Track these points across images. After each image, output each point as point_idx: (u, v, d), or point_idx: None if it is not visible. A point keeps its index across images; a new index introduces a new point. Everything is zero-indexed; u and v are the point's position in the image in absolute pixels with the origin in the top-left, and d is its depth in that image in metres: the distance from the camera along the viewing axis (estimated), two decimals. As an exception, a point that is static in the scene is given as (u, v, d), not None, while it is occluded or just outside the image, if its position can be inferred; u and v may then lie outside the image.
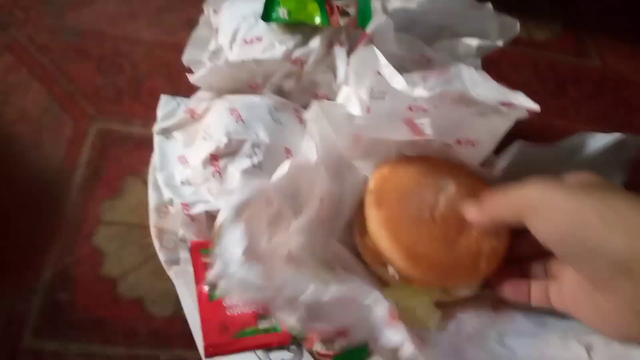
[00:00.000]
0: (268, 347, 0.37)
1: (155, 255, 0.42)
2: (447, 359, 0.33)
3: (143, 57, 0.57)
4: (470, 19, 0.50)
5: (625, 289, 0.28)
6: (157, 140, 0.45)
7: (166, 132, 0.45)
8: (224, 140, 0.41)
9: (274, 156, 0.42)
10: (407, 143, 0.39)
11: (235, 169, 0.40)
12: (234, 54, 0.47)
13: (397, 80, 0.33)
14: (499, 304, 0.39)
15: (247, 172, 0.40)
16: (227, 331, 0.36)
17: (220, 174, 0.41)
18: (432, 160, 0.39)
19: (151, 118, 0.47)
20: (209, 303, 0.38)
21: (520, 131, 0.38)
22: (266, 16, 0.47)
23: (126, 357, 0.39)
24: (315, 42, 0.47)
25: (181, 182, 0.42)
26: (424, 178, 0.38)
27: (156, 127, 0.45)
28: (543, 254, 0.35)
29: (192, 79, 0.48)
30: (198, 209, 0.39)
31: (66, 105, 0.52)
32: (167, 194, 0.41)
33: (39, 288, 0.41)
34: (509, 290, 0.37)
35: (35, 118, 0.50)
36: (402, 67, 0.46)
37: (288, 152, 0.42)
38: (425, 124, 0.35)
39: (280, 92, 0.48)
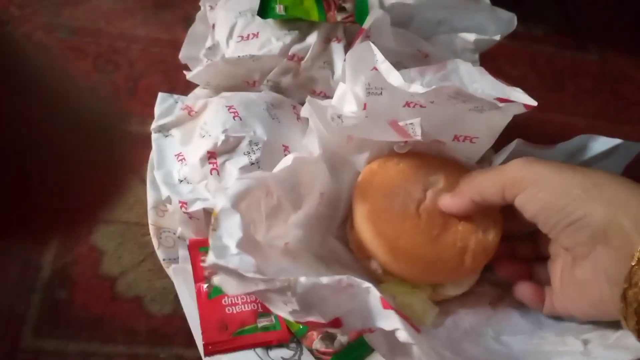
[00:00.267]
0: (267, 345, 0.37)
1: (153, 253, 0.42)
2: (442, 349, 0.33)
3: (139, 54, 0.57)
4: (467, 13, 0.50)
5: (601, 256, 0.29)
6: (154, 138, 0.45)
7: (163, 130, 0.45)
8: (222, 137, 0.41)
9: (271, 153, 0.41)
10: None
11: (233, 166, 0.40)
12: (231, 51, 0.47)
13: (393, 76, 0.33)
14: (497, 301, 0.39)
15: (245, 170, 0.40)
16: (227, 329, 0.36)
17: (218, 171, 0.40)
18: (425, 156, 0.39)
19: (148, 116, 0.47)
20: (208, 301, 0.38)
21: (518, 126, 0.38)
22: (263, 12, 0.47)
23: (125, 356, 0.39)
24: (312, 38, 0.46)
25: (179, 180, 0.42)
26: (413, 173, 0.38)
27: (154, 125, 0.45)
28: (528, 233, 0.37)
29: (189, 76, 0.48)
30: (196, 207, 0.39)
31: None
32: (165, 192, 0.40)
33: (38, 286, 0.41)
34: (528, 291, 0.37)
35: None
36: (399, 63, 0.47)
37: (286, 149, 0.42)
38: (416, 124, 0.35)
39: (277, 88, 0.48)
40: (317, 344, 0.37)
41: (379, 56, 0.34)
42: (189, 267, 0.39)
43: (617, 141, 0.39)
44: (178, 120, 0.45)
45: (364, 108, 0.36)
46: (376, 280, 0.38)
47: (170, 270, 0.40)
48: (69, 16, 0.58)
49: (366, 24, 0.44)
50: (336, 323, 0.29)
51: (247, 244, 0.29)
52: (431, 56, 0.48)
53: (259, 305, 0.38)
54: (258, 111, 0.43)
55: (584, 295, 0.32)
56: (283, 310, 0.28)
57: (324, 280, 0.28)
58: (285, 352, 0.37)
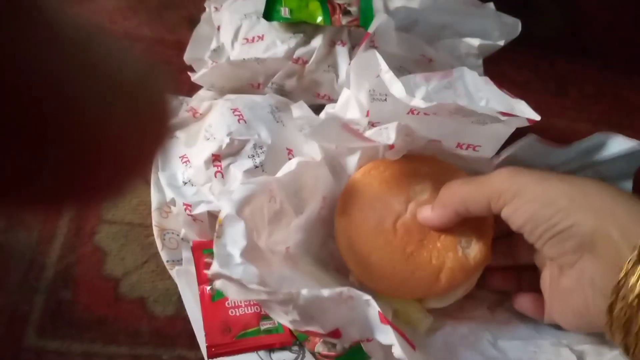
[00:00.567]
0: (270, 348, 0.37)
1: (157, 254, 0.42)
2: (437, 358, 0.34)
3: (144, 54, 0.57)
4: (471, 18, 0.50)
5: (587, 265, 0.29)
6: (158, 157, 0.45)
7: (167, 145, 0.45)
8: (226, 140, 0.41)
9: (275, 157, 0.42)
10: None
11: (237, 169, 0.40)
12: (236, 53, 0.47)
13: (396, 88, 0.33)
14: (496, 305, 0.39)
15: (249, 173, 0.40)
16: (230, 332, 0.37)
17: (222, 174, 0.41)
18: (416, 161, 0.38)
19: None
20: (212, 303, 0.38)
21: (520, 130, 0.38)
22: (268, 15, 0.47)
23: (128, 357, 0.39)
24: (317, 41, 0.46)
25: (183, 182, 0.42)
26: (397, 184, 0.37)
27: (159, 154, 0.45)
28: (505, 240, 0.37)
29: (194, 77, 0.48)
30: (200, 210, 0.39)
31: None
32: (169, 194, 0.41)
33: (41, 287, 0.41)
34: (528, 303, 0.37)
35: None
36: (403, 67, 0.47)
37: (290, 152, 0.42)
38: (390, 128, 0.35)
39: (281, 91, 0.48)
40: (320, 347, 0.37)
41: (383, 65, 0.34)
42: (193, 269, 0.39)
43: (633, 143, 0.38)
44: (183, 122, 0.45)
45: (367, 115, 0.36)
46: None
47: (173, 272, 0.40)
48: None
49: (371, 29, 0.44)
50: (335, 334, 0.29)
51: (251, 251, 0.29)
52: (435, 61, 0.48)
53: (262, 308, 0.38)
54: (262, 114, 0.44)
55: (569, 304, 0.31)
56: (284, 318, 0.29)
57: (325, 293, 0.28)
58: (288, 355, 0.37)
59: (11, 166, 0.12)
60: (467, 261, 0.35)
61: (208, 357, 0.36)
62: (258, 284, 0.27)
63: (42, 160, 0.13)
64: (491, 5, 0.50)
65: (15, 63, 0.11)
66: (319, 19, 0.47)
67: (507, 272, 0.38)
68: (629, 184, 0.40)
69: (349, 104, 0.37)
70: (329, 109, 0.39)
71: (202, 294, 0.38)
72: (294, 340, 0.38)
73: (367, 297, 0.30)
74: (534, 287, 0.36)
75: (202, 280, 0.39)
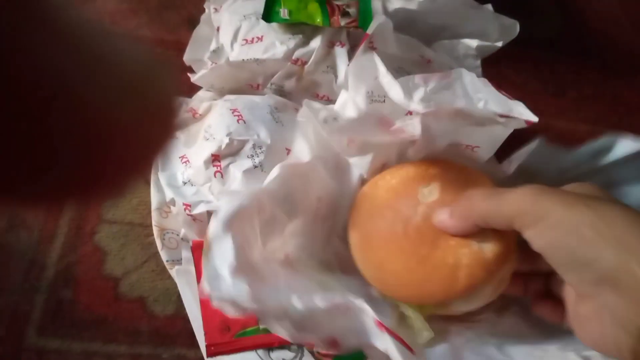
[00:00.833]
0: (269, 347, 0.37)
1: (156, 253, 0.42)
2: None
3: (149, 51, 0.57)
4: (470, 19, 0.50)
5: (609, 299, 0.28)
6: (165, 150, 0.45)
7: (173, 139, 0.45)
8: (226, 140, 0.41)
9: (275, 157, 0.42)
10: (408, 143, 0.39)
11: (236, 169, 0.41)
12: (235, 54, 0.47)
13: (394, 91, 0.34)
14: (503, 309, 0.39)
15: (249, 173, 0.41)
16: (229, 331, 0.37)
17: (222, 174, 0.41)
18: (423, 164, 0.37)
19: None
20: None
21: (518, 131, 0.39)
22: (267, 16, 0.47)
23: (128, 356, 0.40)
24: (316, 42, 0.47)
25: (183, 182, 0.42)
26: (405, 188, 0.36)
27: (168, 145, 0.45)
28: None
29: (194, 78, 0.48)
30: (200, 209, 0.40)
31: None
32: (169, 194, 0.41)
33: (42, 286, 0.41)
34: (548, 309, 0.36)
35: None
36: (401, 68, 0.47)
37: (289, 152, 0.43)
38: (415, 122, 0.35)
39: (281, 91, 0.48)
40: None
41: (382, 69, 0.35)
42: (192, 268, 0.40)
43: (638, 145, 0.38)
44: (182, 122, 0.45)
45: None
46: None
47: (173, 272, 0.41)
48: (74, 16, 0.59)
49: (369, 30, 0.44)
50: (333, 344, 0.29)
51: (241, 268, 0.29)
52: (434, 62, 0.49)
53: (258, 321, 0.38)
54: (262, 114, 0.44)
55: (585, 331, 0.31)
56: (279, 331, 0.29)
57: (319, 303, 0.28)
58: (287, 354, 0.37)
59: (16, 163, 0.12)
60: (485, 255, 0.33)
61: (207, 356, 0.36)
62: (251, 300, 0.27)
63: (47, 158, 0.13)
64: (489, 6, 0.50)
65: (20, 60, 0.11)
66: (318, 20, 0.47)
67: (516, 277, 0.38)
68: None
69: (347, 106, 0.37)
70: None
71: (201, 293, 0.38)
72: (293, 339, 0.38)
73: (363, 304, 0.30)
74: (544, 293, 0.36)
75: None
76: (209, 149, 0.41)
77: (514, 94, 0.40)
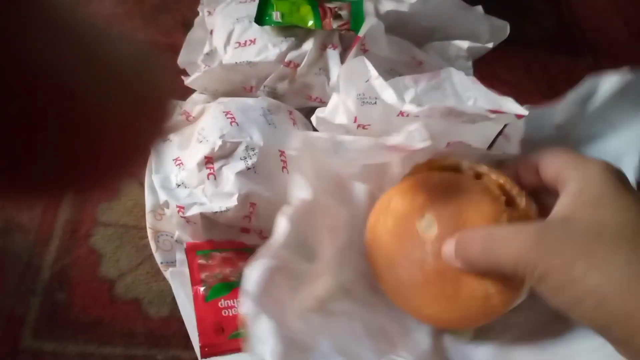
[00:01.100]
0: (262, 347, 0.37)
1: (151, 255, 0.43)
2: None
3: (142, 42, 0.57)
4: (461, 21, 0.51)
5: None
6: (158, 142, 0.45)
7: (165, 135, 0.46)
8: (219, 142, 0.41)
9: (267, 158, 0.42)
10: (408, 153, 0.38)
11: (229, 171, 0.41)
12: (228, 57, 0.48)
13: (387, 93, 0.34)
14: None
15: (242, 174, 0.41)
16: (223, 332, 0.37)
17: (215, 176, 0.41)
18: (410, 193, 0.36)
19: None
20: (205, 304, 0.38)
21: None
22: (259, 19, 0.47)
23: (123, 357, 0.40)
24: (309, 45, 0.47)
25: (177, 184, 0.42)
26: (404, 228, 0.35)
27: (162, 137, 0.46)
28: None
29: (187, 81, 0.48)
30: (193, 211, 0.40)
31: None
32: (162, 197, 0.41)
33: (37, 289, 0.42)
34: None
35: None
36: (393, 70, 0.47)
37: (282, 154, 0.43)
38: (420, 128, 0.35)
39: (274, 94, 0.49)
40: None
41: (373, 72, 0.35)
42: (186, 270, 0.40)
43: (622, 76, 0.37)
44: (176, 125, 0.46)
45: (355, 121, 0.37)
46: None
47: (167, 274, 0.41)
48: (68, 20, 0.59)
49: (361, 32, 0.45)
50: None
51: (285, 347, 0.29)
52: (425, 63, 0.49)
53: None
54: (255, 117, 0.44)
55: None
56: None
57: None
58: (280, 354, 0.37)
59: (7, 152, 0.13)
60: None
61: (201, 357, 0.36)
62: None
63: (40, 150, 0.13)
64: (480, 8, 0.51)
65: (12, 51, 0.12)
66: (310, 23, 0.47)
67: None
68: None
69: (338, 110, 0.38)
70: (319, 112, 0.40)
71: (195, 295, 0.39)
72: (286, 339, 0.38)
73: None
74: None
75: (196, 281, 0.39)
76: (202, 151, 0.42)
77: (506, 94, 0.40)
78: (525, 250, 0.28)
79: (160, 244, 0.42)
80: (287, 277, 0.33)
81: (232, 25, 0.49)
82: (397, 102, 0.34)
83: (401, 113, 0.36)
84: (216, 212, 0.40)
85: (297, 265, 0.34)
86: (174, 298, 0.40)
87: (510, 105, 0.35)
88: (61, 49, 0.13)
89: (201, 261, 0.40)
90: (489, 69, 0.65)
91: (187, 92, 0.50)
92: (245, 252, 0.42)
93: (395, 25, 0.50)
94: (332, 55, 0.47)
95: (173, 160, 0.44)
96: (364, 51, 0.46)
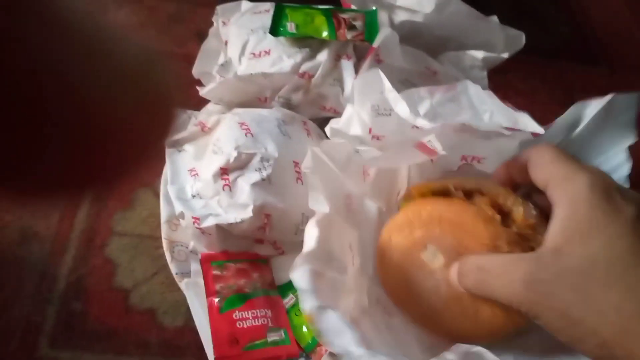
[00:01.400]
0: None
1: (166, 265, 0.43)
2: None
3: (146, 43, 0.58)
4: (476, 31, 0.51)
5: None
6: (168, 152, 0.46)
7: (177, 145, 0.46)
8: (234, 154, 0.42)
9: (282, 170, 0.42)
10: (417, 168, 0.38)
11: (244, 182, 0.41)
12: (243, 68, 0.48)
13: (400, 107, 0.34)
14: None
15: (257, 186, 0.41)
16: (237, 343, 0.37)
17: (230, 187, 0.41)
18: (407, 222, 0.36)
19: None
20: (219, 315, 0.38)
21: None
22: (274, 31, 0.48)
23: (138, 367, 0.40)
24: (323, 56, 0.47)
25: (192, 195, 0.42)
26: (411, 262, 0.35)
27: (167, 140, 0.46)
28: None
29: (202, 92, 0.49)
30: (208, 223, 0.40)
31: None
32: (178, 208, 0.41)
33: (54, 298, 0.42)
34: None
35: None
36: (407, 80, 0.47)
37: (296, 165, 0.43)
38: (433, 141, 0.35)
39: (288, 105, 0.49)
40: (326, 359, 0.38)
41: (387, 85, 0.35)
42: (201, 281, 0.40)
43: (607, 98, 0.38)
44: (191, 135, 0.46)
45: (369, 132, 0.37)
46: None
47: (182, 284, 0.41)
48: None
49: (376, 43, 0.45)
50: None
51: (358, 330, 0.29)
52: (440, 73, 0.49)
53: (269, 320, 0.39)
54: (269, 128, 0.44)
55: None
56: None
57: None
58: (295, 367, 0.37)
59: (19, 154, 0.13)
60: None
61: (216, 369, 0.36)
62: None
63: (47, 150, 0.13)
64: (495, 18, 0.50)
65: (23, 56, 0.12)
66: (325, 34, 0.48)
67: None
68: (632, 135, 0.38)
69: (352, 121, 0.38)
70: (333, 123, 0.40)
71: (210, 306, 0.39)
72: (301, 352, 0.38)
73: None
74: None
75: (210, 292, 0.40)
76: (217, 162, 0.42)
77: (521, 103, 0.40)
78: (518, 289, 0.28)
79: (175, 254, 0.42)
80: (327, 284, 0.33)
81: (247, 36, 0.49)
82: (409, 116, 0.34)
83: (414, 127, 0.36)
84: (231, 223, 0.40)
85: (332, 274, 0.34)
86: (188, 308, 0.40)
87: (526, 122, 0.35)
88: (71, 53, 0.13)
89: (216, 272, 0.40)
90: (503, 79, 0.64)
91: (202, 102, 0.51)
92: (260, 264, 0.42)
93: (409, 35, 0.50)
94: (347, 66, 0.47)
95: (188, 170, 0.44)
96: (378, 62, 0.46)
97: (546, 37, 0.72)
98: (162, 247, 0.43)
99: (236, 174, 0.42)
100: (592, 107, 0.39)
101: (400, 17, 0.50)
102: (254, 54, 0.48)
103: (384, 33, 0.45)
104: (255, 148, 0.42)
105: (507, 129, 0.33)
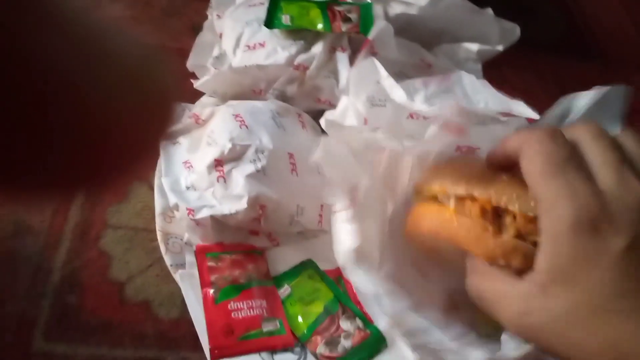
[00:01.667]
0: (273, 349, 0.37)
1: (161, 258, 0.43)
2: None
3: (145, 40, 0.58)
4: (470, 23, 0.51)
5: None
6: (162, 145, 0.46)
7: (171, 138, 0.46)
8: (228, 145, 0.41)
9: (277, 161, 0.42)
10: (417, 160, 0.38)
11: (239, 174, 0.41)
12: (238, 60, 0.48)
13: (397, 93, 0.34)
14: None
15: (251, 177, 0.41)
16: (233, 333, 0.37)
17: (224, 179, 0.41)
18: (416, 242, 0.36)
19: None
20: (214, 306, 0.38)
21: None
22: (269, 23, 0.48)
23: (133, 359, 0.40)
24: (318, 48, 0.47)
25: (186, 187, 0.42)
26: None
27: (165, 136, 0.46)
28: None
29: (197, 84, 0.49)
30: (203, 214, 0.40)
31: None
32: (172, 199, 0.41)
33: (48, 291, 0.42)
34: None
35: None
36: (402, 72, 0.47)
37: (291, 157, 0.43)
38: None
39: (283, 97, 0.49)
40: (321, 349, 0.38)
41: (383, 72, 0.35)
42: (196, 272, 0.40)
43: (598, 91, 0.38)
44: (185, 128, 0.46)
45: (365, 123, 0.36)
46: None
47: (177, 276, 0.41)
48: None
49: (371, 35, 0.45)
50: None
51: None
52: (434, 66, 0.49)
53: (264, 310, 0.39)
54: (264, 119, 0.44)
55: None
56: None
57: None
58: (290, 356, 0.37)
59: (16, 151, 0.13)
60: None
61: (211, 359, 0.36)
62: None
63: (47, 147, 0.13)
64: (489, 10, 0.50)
65: (20, 52, 0.12)
66: (320, 26, 0.47)
67: None
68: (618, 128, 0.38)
69: (347, 112, 0.38)
70: (328, 115, 0.40)
71: (205, 297, 0.39)
72: (296, 342, 0.38)
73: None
74: None
75: (205, 283, 0.40)
76: (211, 154, 0.42)
77: (515, 97, 0.40)
78: (513, 321, 0.29)
79: (169, 246, 0.42)
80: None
81: (242, 28, 0.49)
82: (406, 102, 0.34)
83: (411, 115, 0.36)
84: (226, 214, 0.40)
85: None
86: (183, 300, 0.40)
87: (522, 109, 0.35)
88: (67, 49, 0.13)
89: (211, 263, 0.40)
90: (498, 73, 0.64)
91: (196, 95, 0.51)
92: (255, 255, 0.42)
93: (404, 28, 0.50)
94: (342, 58, 0.47)
95: (182, 163, 0.44)
96: (373, 54, 0.46)
97: (541, 32, 0.72)
98: (156, 239, 0.43)
99: (231, 166, 0.42)
100: (581, 100, 0.38)
101: (395, 9, 0.50)
102: (248, 46, 0.48)
103: (379, 25, 0.45)
104: (250, 140, 0.42)
105: (502, 114, 0.33)
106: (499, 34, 0.51)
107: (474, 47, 0.49)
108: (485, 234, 0.32)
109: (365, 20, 0.48)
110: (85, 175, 0.15)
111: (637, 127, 0.60)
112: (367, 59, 0.36)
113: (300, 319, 0.39)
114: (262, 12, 0.49)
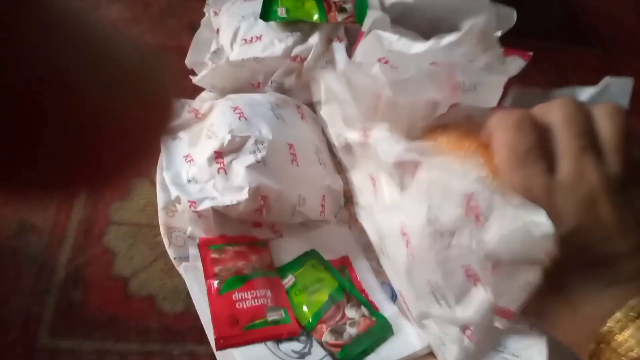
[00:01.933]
0: (278, 339, 0.37)
1: (164, 253, 0.43)
2: None
3: (143, 41, 0.58)
4: (467, 10, 0.50)
5: None
6: (163, 141, 0.46)
7: (172, 133, 0.46)
8: (228, 137, 0.42)
9: (277, 152, 0.42)
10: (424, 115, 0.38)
11: (239, 165, 0.41)
12: (235, 54, 0.48)
13: (416, 45, 0.34)
14: None
15: (252, 168, 0.41)
16: (237, 324, 0.37)
17: (225, 170, 0.41)
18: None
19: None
20: (219, 297, 0.38)
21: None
22: (265, 15, 0.48)
23: (139, 354, 0.40)
24: (314, 39, 0.47)
25: (188, 180, 0.42)
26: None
27: (166, 133, 0.46)
28: None
29: (195, 79, 0.49)
30: (205, 206, 0.40)
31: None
32: (174, 192, 0.41)
33: (53, 288, 0.42)
34: None
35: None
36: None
37: (290, 147, 0.43)
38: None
39: (281, 89, 0.49)
40: (327, 337, 0.38)
41: (392, 36, 0.35)
42: (200, 264, 0.40)
43: (602, 84, 0.38)
44: (185, 123, 0.46)
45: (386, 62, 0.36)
46: None
47: (181, 269, 0.41)
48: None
49: (365, 26, 0.45)
50: None
51: None
52: (432, 53, 0.49)
53: (269, 300, 0.39)
54: (263, 111, 0.44)
55: None
56: None
57: None
58: (296, 345, 0.37)
59: (17, 150, 0.13)
60: None
61: (216, 349, 0.36)
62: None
63: (46, 144, 0.13)
64: (485, -4, 0.50)
65: (20, 52, 0.12)
66: (315, 17, 0.48)
67: None
68: None
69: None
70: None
71: (209, 288, 0.39)
72: (302, 330, 0.38)
73: None
74: None
75: (209, 275, 0.40)
76: (211, 146, 0.42)
77: (514, 84, 0.40)
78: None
79: (173, 239, 0.42)
80: None
81: (238, 22, 0.49)
82: (432, 42, 0.35)
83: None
84: (227, 205, 0.40)
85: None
86: (188, 294, 0.40)
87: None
88: (67, 50, 0.13)
89: (214, 255, 0.40)
90: (496, 60, 0.64)
91: (196, 91, 0.51)
92: (258, 246, 0.42)
93: (400, 17, 0.50)
94: (338, 48, 0.47)
95: (183, 157, 0.44)
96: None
97: (539, 19, 0.72)
98: (160, 234, 0.43)
99: (231, 157, 0.42)
100: (587, 92, 0.38)
101: (390, -2, 0.50)
102: (245, 40, 0.48)
103: (375, 14, 0.45)
104: (249, 131, 0.42)
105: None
106: (496, 20, 0.50)
107: (471, 33, 0.49)
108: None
109: (361, 10, 0.48)
110: (87, 173, 0.15)
111: (638, 114, 0.60)
112: (371, 32, 0.36)
113: (305, 308, 0.39)
114: (257, 6, 0.49)
